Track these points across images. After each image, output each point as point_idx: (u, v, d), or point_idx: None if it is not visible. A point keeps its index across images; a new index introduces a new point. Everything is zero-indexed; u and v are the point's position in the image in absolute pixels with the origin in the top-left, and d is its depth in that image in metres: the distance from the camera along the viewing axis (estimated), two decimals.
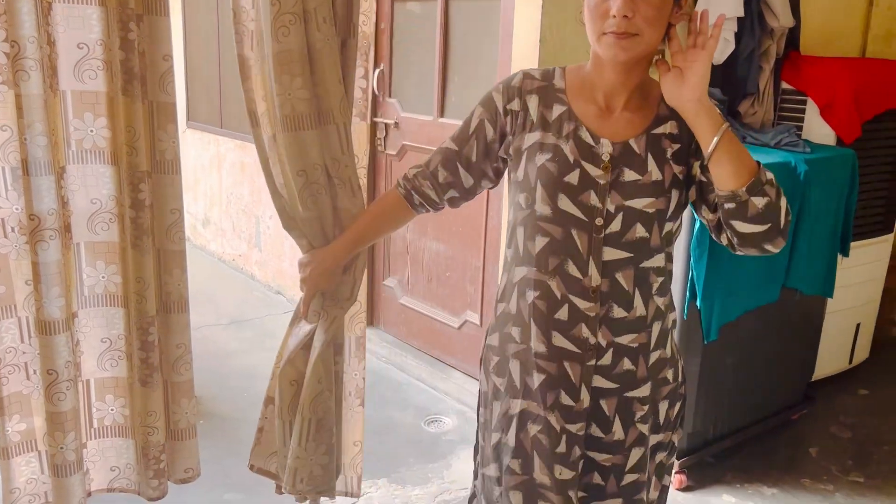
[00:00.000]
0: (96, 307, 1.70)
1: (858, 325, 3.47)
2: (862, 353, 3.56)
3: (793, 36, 3.24)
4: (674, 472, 1.59)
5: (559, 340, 1.38)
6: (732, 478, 2.72)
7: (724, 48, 3.06)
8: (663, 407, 1.46)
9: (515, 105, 1.41)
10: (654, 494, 1.51)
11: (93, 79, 1.53)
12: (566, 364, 1.39)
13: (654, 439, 1.46)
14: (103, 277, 1.66)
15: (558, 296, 1.37)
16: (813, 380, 3.25)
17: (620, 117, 1.36)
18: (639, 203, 1.32)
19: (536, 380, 1.41)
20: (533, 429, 1.42)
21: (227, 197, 4.96)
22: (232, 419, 3.13)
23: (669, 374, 1.45)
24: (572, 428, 1.41)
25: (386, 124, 3.58)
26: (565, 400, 1.40)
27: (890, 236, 3.48)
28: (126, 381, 1.69)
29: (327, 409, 1.66)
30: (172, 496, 2.34)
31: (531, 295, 1.39)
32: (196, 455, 1.85)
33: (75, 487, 1.69)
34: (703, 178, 1.34)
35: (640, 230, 1.33)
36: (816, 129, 3.10)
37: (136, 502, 1.89)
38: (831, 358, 3.36)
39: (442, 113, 3.32)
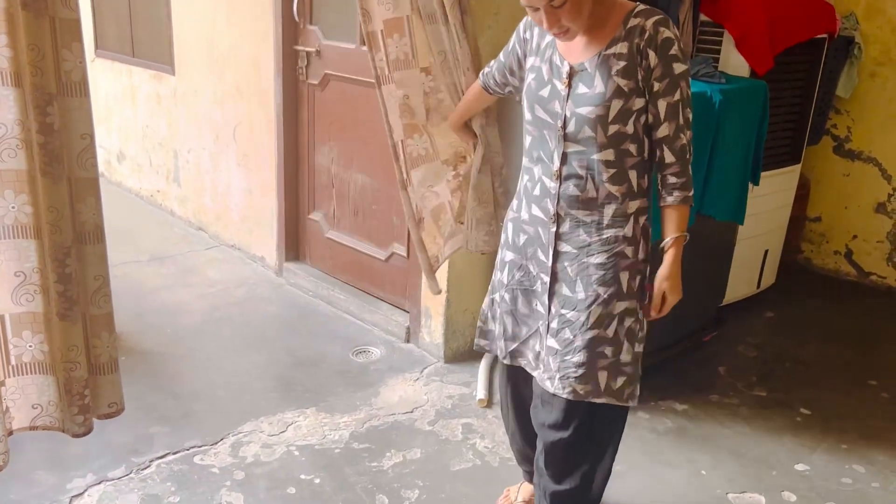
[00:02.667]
0: (7, 239, 1.61)
1: (766, 252, 3.65)
2: (769, 278, 3.76)
3: None
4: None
5: (535, 210, 1.87)
6: (648, 396, 2.87)
7: None
8: (625, 277, 1.81)
9: (528, 35, 1.90)
10: (626, 357, 1.85)
11: None
12: (540, 229, 1.87)
13: (620, 305, 1.82)
14: (13, 207, 1.58)
15: (536, 177, 1.86)
16: (723, 304, 3.43)
17: (581, 43, 1.74)
18: (583, 110, 1.72)
19: (521, 238, 1.93)
20: (517, 274, 1.96)
21: (143, 130, 4.76)
22: (155, 354, 3.09)
23: (629, 251, 1.81)
24: (545, 277, 1.88)
25: (307, 52, 3.48)
26: (540, 255, 1.89)
27: (797, 166, 3.66)
28: (43, 316, 1.63)
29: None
30: (97, 431, 2.31)
31: (525, 178, 1.91)
32: (119, 389, 1.83)
33: None
34: (650, 116, 1.73)
35: (587, 131, 1.73)
36: (732, 61, 3.19)
37: (59, 439, 1.87)
38: (741, 282, 3.55)
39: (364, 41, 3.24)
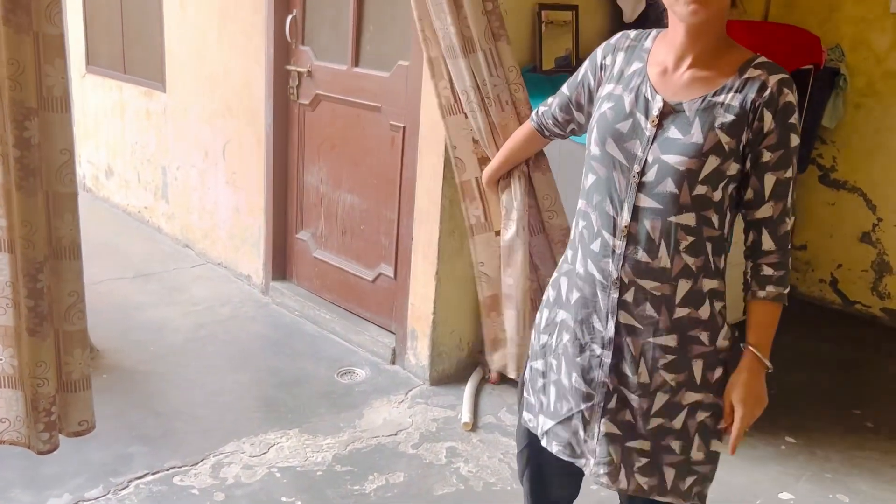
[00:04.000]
0: None
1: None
2: None
3: None
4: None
5: (591, 268, 1.56)
6: None
7: (635, 7, 3.12)
8: (697, 366, 1.53)
9: (608, 60, 1.59)
10: (698, 455, 1.57)
11: None
12: (598, 291, 1.56)
13: (691, 396, 1.54)
14: None
15: (595, 228, 1.55)
16: None
17: (683, 78, 1.46)
18: (672, 159, 1.43)
19: (574, 296, 1.61)
20: (564, 337, 1.63)
21: (132, 146, 4.75)
22: (137, 372, 3.06)
23: (704, 337, 1.52)
24: (596, 349, 1.57)
25: (299, 73, 3.49)
26: (595, 322, 1.57)
27: None
28: (14, 330, 1.61)
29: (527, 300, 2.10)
30: (75, 450, 2.29)
31: (581, 224, 1.60)
32: (90, 407, 1.80)
33: None
34: (750, 191, 1.46)
35: (670, 185, 1.44)
36: None
37: (36, 457, 1.84)
38: (728, 309, 3.53)
39: (356, 62, 3.26)
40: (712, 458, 1.59)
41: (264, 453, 2.57)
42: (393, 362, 3.22)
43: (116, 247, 4.34)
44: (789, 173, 1.44)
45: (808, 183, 4.11)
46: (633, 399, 1.56)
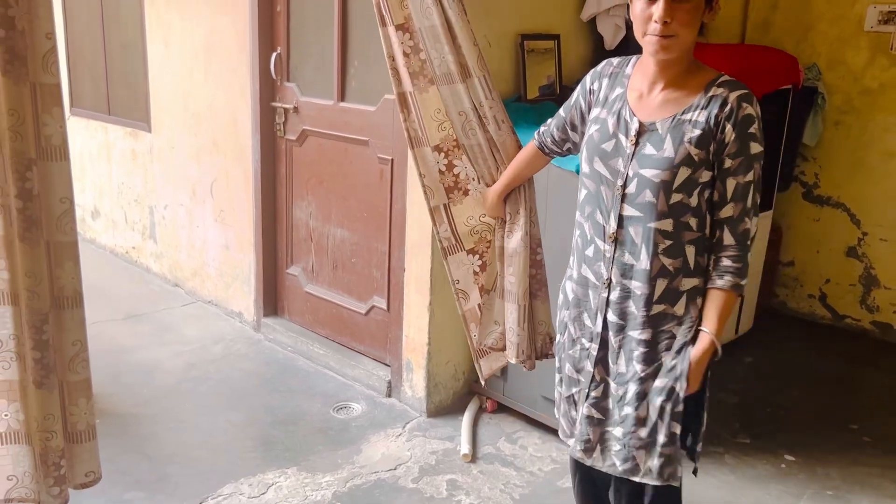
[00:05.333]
0: None
1: (743, 298, 3.69)
2: (746, 324, 3.79)
3: None
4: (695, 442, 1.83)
5: (585, 271, 1.81)
6: None
7: (615, 34, 3.17)
8: (668, 358, 1.71)
9: (595, 85, 1.81)
10: (661, 437, 1.71)
11: None
12: (590, 291, 1.80)
13: (653, 384, 1.72)
14: None
15: (588, 236, 1.79)
16: None
17: (656, 101, 1.68)
18: (648, 173, 1.65)
19: (570, 297, 1.86)
20: (565, 334, 1.89)
21: (118, 187, 4.74)
22: (130, 416, 3.02)
23: (677, 331, 1.71)
24: (586, 343, 1.82)
25: (285, 109, 3.51)
26: (585, 319, 1.82)
27: (769, 213, 3.72)
28: (19, 384, 1.59)
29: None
30: (71, 499, 2.24)
31: (576, 233, 1.84)
32: (97, 457, 1.77)
33: None
34: (716, 194, 1.65)
35: (648, 195, 1.65)
36: None
37: None
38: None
39: (342, 97, 3.28)
40: (673, 440, 1.72)
41: (263, 493, 2.53)
42: (389, 395, 3.20)
43: (105, 289, 4.30)
44: (749, 177, 1.63)
45: (793, 200, 4.16)
46: (613, 388, 1.78)
